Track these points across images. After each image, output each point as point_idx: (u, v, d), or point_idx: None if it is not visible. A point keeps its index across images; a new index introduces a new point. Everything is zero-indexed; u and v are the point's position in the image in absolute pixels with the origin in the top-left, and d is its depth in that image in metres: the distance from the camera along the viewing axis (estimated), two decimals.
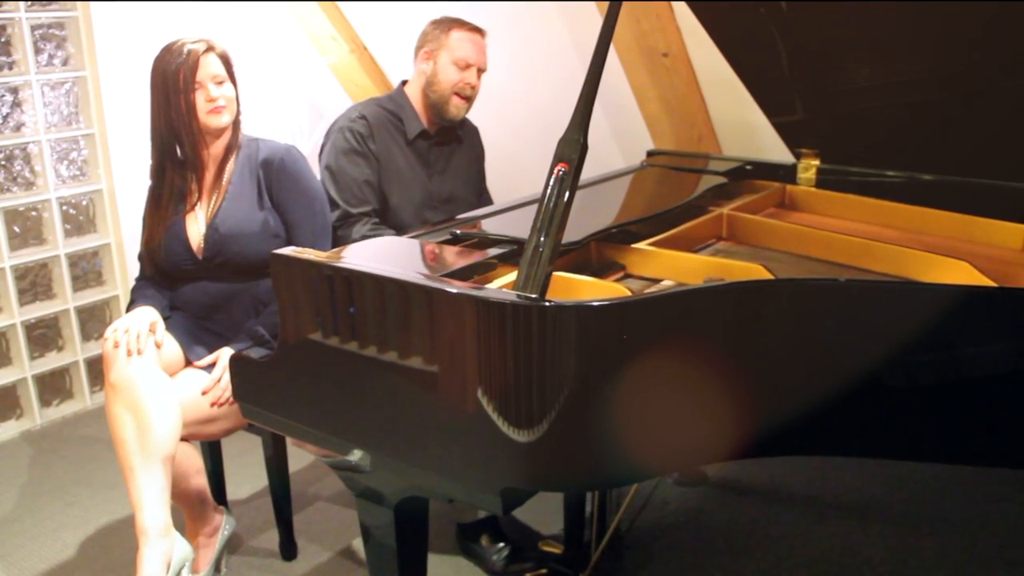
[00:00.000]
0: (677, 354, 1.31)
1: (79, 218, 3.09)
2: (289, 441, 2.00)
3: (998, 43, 1.81)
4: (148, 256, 2.09)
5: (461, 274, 1.47)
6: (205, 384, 1.95)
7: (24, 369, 2.96)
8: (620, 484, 2.15)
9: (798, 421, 1.38)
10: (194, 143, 2.01)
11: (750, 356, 1.37)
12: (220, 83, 1.99)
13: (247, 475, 2.61)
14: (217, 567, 2.11)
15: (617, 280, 1.69)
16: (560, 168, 1.35)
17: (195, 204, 2.08)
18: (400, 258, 1.59)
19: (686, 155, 2.65)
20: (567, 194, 1.34)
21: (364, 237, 2.20)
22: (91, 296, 3.13)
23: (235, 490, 2.50)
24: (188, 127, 1.98)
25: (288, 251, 1.52)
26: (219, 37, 2.05)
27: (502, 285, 1.52)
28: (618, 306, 1.26)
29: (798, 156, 2.25)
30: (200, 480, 2.03)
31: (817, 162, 2.23)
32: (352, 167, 2.27)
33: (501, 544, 2.18)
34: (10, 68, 2.85)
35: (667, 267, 1.68)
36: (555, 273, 1.42)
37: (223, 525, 2.11)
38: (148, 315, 1.95)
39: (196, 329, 2.06)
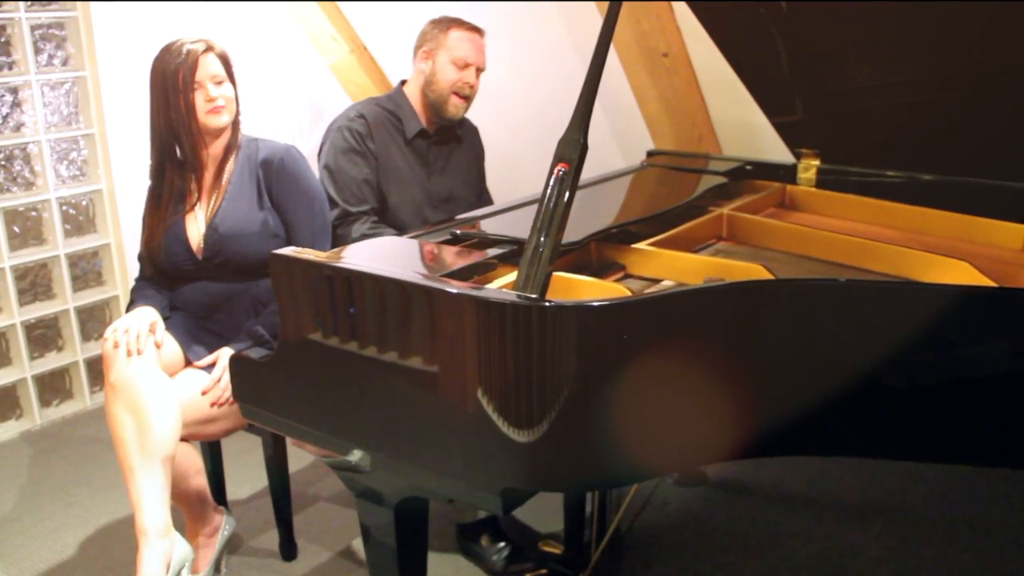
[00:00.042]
0: (677, 354, 1.31)
1: (79, 218, 3.09)
2: (289, 441, 2.00)
3: (998, 43, 1.81)
4: (148, 256, 2.09)
5: (461, 274, 1.47)
6: (205, 384, 1.95)
7: (24, 369, 2.96)
8: (620, 484, 2.14)
9: (798, 421, 1.38)
10: (193, 143, 2.01)
11: (750, 356, 1.37)
12: (219, 83, 1.98)
13: (247, 475, 2.61)
14: (217, 567, 2.11)
15: (617, 280, 1.69)
16: (560, 168, 1.35)
17: (195, 204, 2.08)
18: (400, 258, 1.59)
19: (686, 155, 2.65)
20: (567, 194, 1.34)
21: (364, 236, 2.20)
22: (91, 296, 3.13)
23: (235, 490, 2.50)
24: (187, 127, 1.98)
25: (288, 251, 1.51)
26: (219, 37, 2.05)
27: (502, 285, 1.52)
28: (618, 306, 1.26)
29: (798, 156, 2.25)
30: (200, 480, 2.03)
31: (817, 162, 2.23)
32: (351, 166, 2.27)
33: (501, 544, 2.18)
34: (10, 68, 2.85)
35: (667, 267, 1.68)
36: (555, 273, 1.42)
37: (223, 525, 2.11)
38: (148, 315, 1.95)
39: (196, 329, 2.06)
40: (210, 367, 1.99)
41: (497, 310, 1.24)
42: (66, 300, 3.04)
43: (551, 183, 1.34)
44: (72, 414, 3.12)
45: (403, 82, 2.43)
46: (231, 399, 1.89)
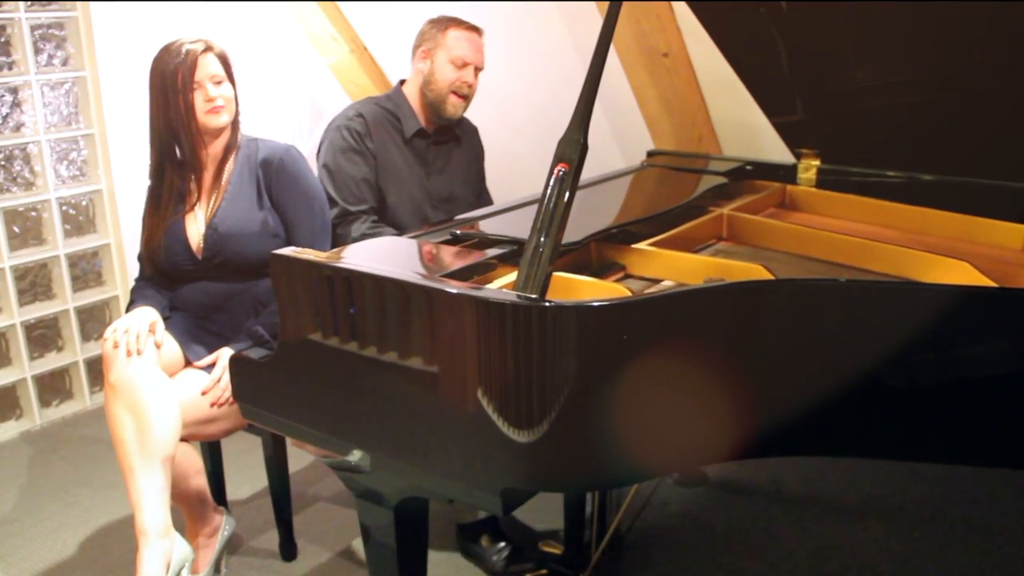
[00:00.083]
0: (677, 354, 1.31)
1: (79, 218, 3.09)
2: (289, 441, 2.00)
3: (998, 43, 1.81)
4: (148, 257, 2.09)
5: (461, 274, 1.47)
6: (205, 384, 1.95)
7: (24, 369, 2.96)
8: (620, 484, 2.14)
9: (798, 421, 1.38)
10: (193, 143, 2.01)
11: (750, 356, 1.37)
12: (218, 83, 1.98)
13: (247, 475, 2.60)
14: (217, 568, 2.11)
15: (617, 280, 1.69)
16: (560, 168, 1.35)
17: (194, 204, 2.08)
18: (400, 258, 1.59)
19: (686, 155, 2.65)
20: (567, 194, 1.33)
21: (363, 236, 2.20)
22: (91, 296, 3.13)
23: (235, 490, 2.50)
24: (187, 127, 1.98)
25: (288, 251, 1.51)
26: (219, 37, 2.05)
27: (502, 285, 1.52)
28: (618, 306, 1.26)
29: (798, 156, 2.25)
30: (200, 480, 2.03)
31: (817, 162, 2.22)
32: (350, 165, 2.27)
33: (501, 544, 2.18)
34: (10, 68, 2.85)
35: (667, 267, 1.68)
36: (555, 273, 1.42)
37: (223, 525, 2.11)
38: (148, 315, 1.95)
39: (196, 329, 2.06)
40: (210, 367, 1.99)
41: (497, 310, 1.24)
42: (66, 300, 3.04)
43: (551, 183, 1.34)
44: (72, 414, 3.12)
45: (402, 82, 2.43)
46: (231, 399, 1.89)
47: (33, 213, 2.97)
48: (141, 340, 1.87)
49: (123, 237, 3.13)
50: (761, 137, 2.42)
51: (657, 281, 1.68)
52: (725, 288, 1.39)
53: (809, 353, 1.36)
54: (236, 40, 2.85)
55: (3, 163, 2.88)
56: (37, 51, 2.89)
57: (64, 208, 3.03)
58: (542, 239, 1.31)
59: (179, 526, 1.90)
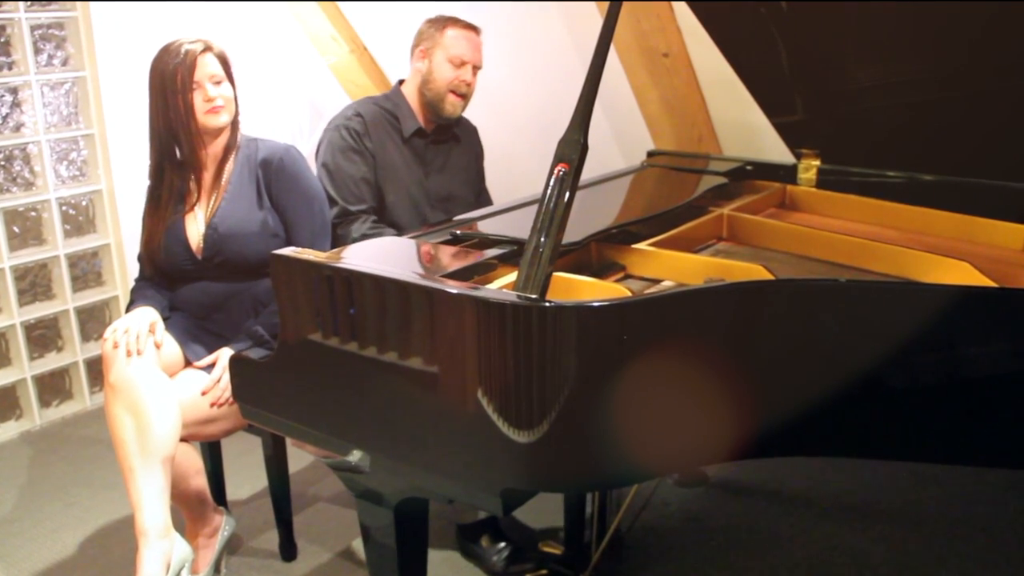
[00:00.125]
0: (677, 355, 1.31)
1: (79, 218, 3.09)
2: (289, 442, 2.00)
3: (998, 43, 1.81)
4: (147, 257, 2.09)
5: (461, 274, 1.47)
6: (205, 384, 1.95)
7: (24, 370, 2.96)
8: (620, 485, 2.14)
9: (798, 421, 1.38)
10: (192, 143, 2.01)
11: (750, 357, 1.36)
12: (218, 83, 1.98)
13: (247, 475, 2.60)
14: (217, 568, 2.11)
15: (617, 281, 1.69)
16: (560, 168, 1.35)
17: (194, 204, 2.07)
18: (400, 258, 1.59)
19: (686, 155, 2.65)
20: (567, 194, 1.33)
21: (364, 236, 2.20)
22: (91, 296, 3.13)
23: (235, 491, 2.50)
24: (186, 127, 1.98)
25: (288, 251, 1.51)
26: (219, 37, 2.04)
27: (502, 286, 1.52)
28: (618, 306, 1.26)
29: (799, 156, 2.25)
30: (200, 481, 2.03)
31: (818, 162, 2.22)
32: (348, 164, 2.27)
33: (501, 544, 2.17)
34: (9, 68, 2.84)
35: (667, 268, 1.68)
36: (555, 274, 1.42)
37: (223, 526, 2.11)
38: (148, 315, 1.94)
39: (195, 329, 2.06)
40: (210, 367, 1.99)
41: (497, 310, 1.24)
42: (66, 300, 3.04)
43: (551, 183, 1.34)
44: (72, 414, 3.12)
45: (401, 82, 2.43)
46: (231, 399, 1.89)
47: (33, 213, 2.96)
48: (141, 340, 1.87)
49: (123, 237, 3.13)
50: (761, 137, 2.42)
51: (657, 281, 1.68)
52: (725, 288, 1.39)
53: (809, 353, 1.36)
54: (236, 40, 2.85)
55: (3, 163, 2.88)
56: (37, 51, 2.89)
57: (64, 208, 3.03)
58: (542, 239, 1.31)
59: (179, 526, 1.90)
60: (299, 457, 2.52)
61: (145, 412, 1.80)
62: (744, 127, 2.65)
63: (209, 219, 2.05)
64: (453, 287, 1.30)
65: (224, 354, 1.97)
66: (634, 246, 1.74)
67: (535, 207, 1.34)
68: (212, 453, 2.25)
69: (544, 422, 1.25)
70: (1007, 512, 2.38)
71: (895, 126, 2.06)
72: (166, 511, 1.81)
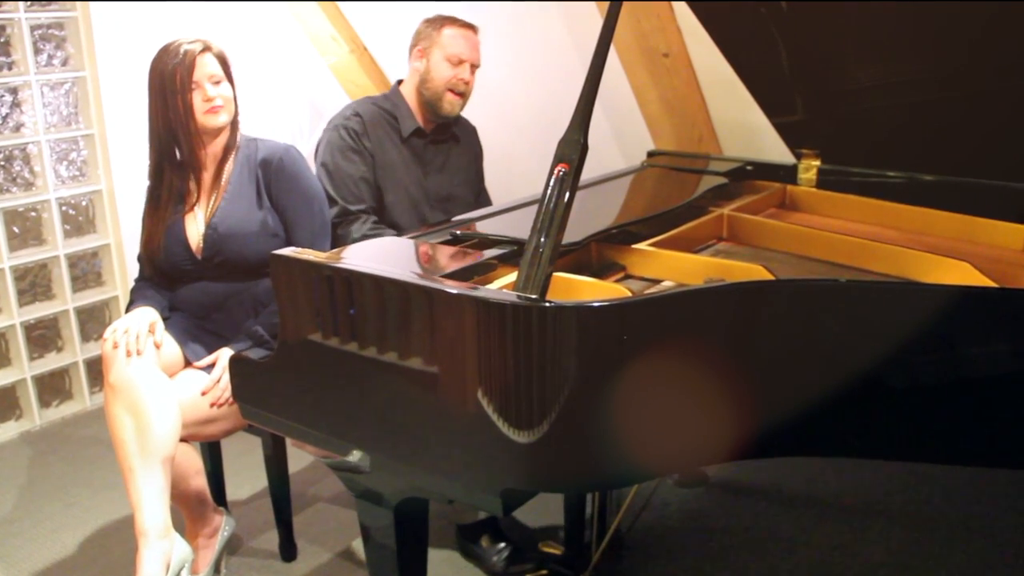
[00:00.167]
0: (677, 355, 1.31)
1: (78, 219, 3.08)
2: (289, 442, 2.00)
3: (998, 43, 1.81)
4: (147, 257, 2.09)
5: (461, 275, 1.47)
6: (204, 385, 1.95)
7: (24, 370, 2.96)
8: (620, 485, 2.14)
9: (799, 422, 1.38)
10: (192, 143, 2.01)
11: (750, 357, 1.36)
12: (217, 83, 1.98)
13: (247, 476, 2.60)
14: (217, 568, 2.10)
15: (617, 281, 1.69)
16: (560, 168, 1.35)
17: (194, 204, 2.07)
18: (400, 258, 1.59)
19: (686, 155, 2.65)
20: (567, 195, 1.33)
21: (365, 236, 2.20)
22: (90, 297, 3.13)
23: (235, 491, 2.50)
24: (185, 127, 1.98)
25: (288, 252, 1.51)
26: (219, 37, 2.05)
27: (502, 286, 1.52)
28: (618, 307, 1.26)
29: (799, 156, 2.25)
30: (200, 481, 2.03)
31: (818, 162, 2.22)
32: (347, 164, 2.27)
33: (501, 545, 2.17)
34: (9, 68, 2.84)
35: (667, 268, 1.68)
36: (555, 274, 1.42)
37: (223, 526, 2.11)
38: (147, 315, 1.94)
39: (195, 329, 2.06)
40: (210, 367, 1.99)
41: (497, 311, 1.24)
42: (66, 301, 3.04)
43: (551, 183, 1.34)
44: (72, 415, 3.12)
45: (399, 82, 2.44)
46: (231, 399, 1.89)
47: (33, 213, 2.96)
48: (141, 340, 1.87)
49: (123, 237, 3.13)
50: (761, 137, 2.42)
51: (657, 281, 1.68)
52: (725, 288, 1.39)
53: (809, 353, 1.36)
54: (236, 40, 2.85)
55: (3, 163, 2.88)
56: (37, 51, 2.89)
57: (64, 208, 3.02)
58: (542, 239, 1.31)
59: (179, 526, 1.90)
60: (299, 457, 2.52)
61: (145, 412, 1.80)
62: (744, 127, 2.65)
63: (209, 219, 2.05)
64: (453, 287, 1.30)
65: (224, 354, 1.97)
66: (634, 246, 1.74)
67: (535, 207, 1.34)
68: (212, 453, 2.25)
69: (544, 422, 1.25)
70: (1007, 512, 2.38)
71: (895, 126, 2.06)
72: (166, 511, 1.81)
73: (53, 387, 3.10)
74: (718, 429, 1.36)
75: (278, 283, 1.52)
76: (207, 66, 1.96)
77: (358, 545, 2.30)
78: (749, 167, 2.36)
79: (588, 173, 1.54)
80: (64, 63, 2.98)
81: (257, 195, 2.07)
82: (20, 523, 2.47)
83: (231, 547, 2.20)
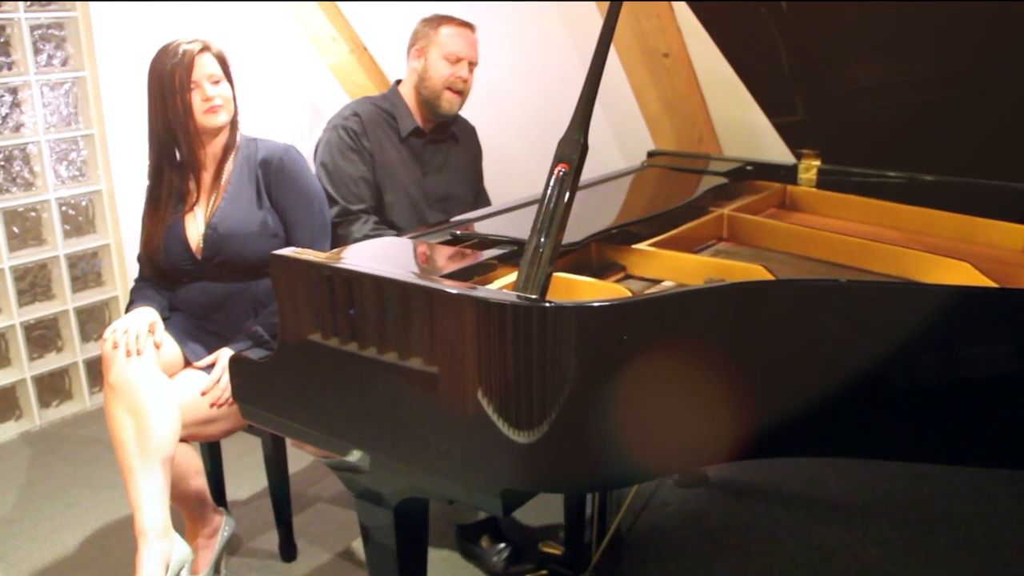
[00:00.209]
0: (677, 355, 1.31)
1: (78, 219, 3.08)
2: (289, 442, 2.00)
3: (998, 43, 1.80)
4: (147, 257, 2.09)
5: (461, 275, 1.47)
6: (204, 385, 1.95)
7: (23, 370, 2.96)
8: (620, 485, 2.14)
9: (798, 422, 1.38)
10: (191, 143, 2.01)
11: (750, 357, 1.36)
12: (216, 82, 1.98)
13: (247, 476, 2.60)
14: (217, 568, 2.10)
15: (617, 281, 1.69)
16: (560, 168, 1.35)
17: (194, 204, 2.07)
18: (400, 259, 1.59)
19: (686, 155, 2.64)
20: (567, 195, 1.33)
21: (367, 236, 2.20)
22: (90, 297, 3.13)
23: (235, 491, 2.50)
24: (185, 127, 1.98)
25: (288, 252, 1.51)
26: (219, 37, 2.05)
27: (502, 286, 1.52)
28: (618, 307, 1.26)
29: (799, 156, 2.25)
30: (199, 481, 2.02)
31: (818, 162, 2.22)
32: (347, 164, 2.28)
33: (501, 545, 2.17)
34: (9, 68, 2.84)
35: (668, 268, 1.68)
36: (555, 274, 1.42)
37: (223, 526, 2.11)
38: (147, 316, 1.94)
39: (195, 329, 2.05)
40: (209, 367, 1.99)
41: (497, 311, 1.24)
42: (65, 301, 3.04)
43: (551, 183, 1.34)
44: (71, 415, 3.12)
45: (398, 82, 2.44)
46: (230, 400, 1.89)
47: (33, 213, 2.96)
48: (140, 340, 1.87)
49: (123, 237, 3.13)
50: (761, 137, 2.42)
51: (657, 282, 1.68)
52: (725, 288, 1.39)
53: (810, 354, 1.36)
54: (236, 40, 2.85)
55: (3, 163, 2.88)
56: (37, 51, 2.89)
57: (64, 208, 3.02)
58: (542, 239, 1.31)
59: (179, 527, 1.90)
60: (299, 457, 2.52)
61: (145, 412, 1.80)
62: (744, 127, 2.64)
63: (209, 219, 2.05)
64: (453, 287, 1.30)
65: (224, 354, 1.97)
66: (634, 246, 1.74)
67: (535, 207, 1.34)
68: (212, 453, 2.25)
69: (544, 422, 1.25)
70: (1006, 512, 2.38)
71: (895, 126, 2.06)
72: (166, 511, 1.81)
73: (53, 387, 3.10)
74: (718, 429, 1.36)
75: (278, 283, 1.52)
76: (206, 66, 1.96)
77: (358, 545, 2.30)
78: (749, 167, 2.36)
79: (588, 173, 1.53)
80: (64, 63, 2.98)
81: (257, 195, 2.07)
82: (20, 523, 2.47)
83: (231, 547, 2.20)
